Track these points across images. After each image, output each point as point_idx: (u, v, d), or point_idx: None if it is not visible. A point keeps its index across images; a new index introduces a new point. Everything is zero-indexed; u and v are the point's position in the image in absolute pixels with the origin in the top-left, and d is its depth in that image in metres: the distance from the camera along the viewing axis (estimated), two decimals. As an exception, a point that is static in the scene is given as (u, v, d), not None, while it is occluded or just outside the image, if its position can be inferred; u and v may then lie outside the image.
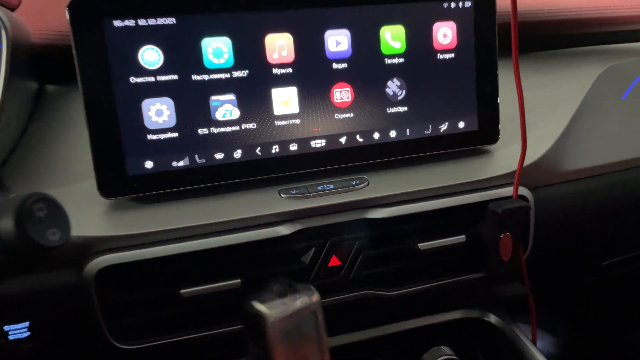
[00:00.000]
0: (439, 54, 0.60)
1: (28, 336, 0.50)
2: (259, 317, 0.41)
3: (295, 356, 0.42)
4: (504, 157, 0.63)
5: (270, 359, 0.41)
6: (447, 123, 0.62)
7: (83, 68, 0.50)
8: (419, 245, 0.59)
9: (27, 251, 0.32)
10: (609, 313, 1.06)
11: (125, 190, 0.53)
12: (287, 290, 0.44)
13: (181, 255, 0.51)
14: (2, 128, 0.51)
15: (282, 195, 0.56)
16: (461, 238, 0.60)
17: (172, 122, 0.53)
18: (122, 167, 0.52)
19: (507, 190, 0.60)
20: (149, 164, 0.53)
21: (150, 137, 0.53)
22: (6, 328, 0.49)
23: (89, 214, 0.52)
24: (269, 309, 0.41)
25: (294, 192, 0.56)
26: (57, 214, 0.34)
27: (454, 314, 0.69)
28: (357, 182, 0.58)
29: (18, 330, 0.50)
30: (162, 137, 0.53)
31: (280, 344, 0.41)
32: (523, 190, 0.61)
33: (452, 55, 0.61)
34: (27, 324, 0.50)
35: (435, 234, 0.60)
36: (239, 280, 0.53)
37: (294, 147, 0.57)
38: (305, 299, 0.43)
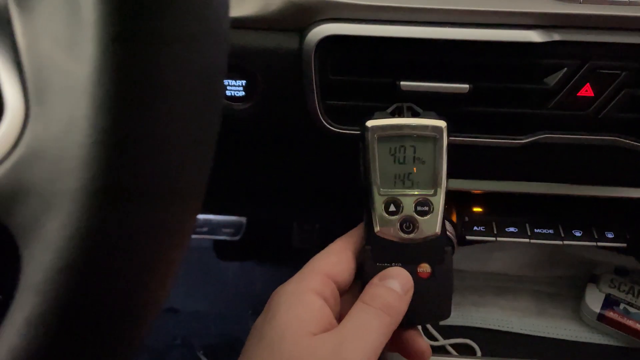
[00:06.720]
0: None
1: (242, 96, 0.50)
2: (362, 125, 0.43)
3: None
4: None
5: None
6: None
7: None
8: None
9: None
10: None
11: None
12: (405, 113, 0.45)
13: (407, 41, 0.45)
14: None
15: (546, -6, 0.44)
16: None
17: None
18: None
19: None
20: None
21: None
22: (224, 82, 0.49)
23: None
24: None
25: (560, -8, 0.44)
26: None
27: None
28: (650, -5, 0.44)
29: (234, 88, 0.49)
30: None
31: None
32: None
33: None
34: (243, 82, 0.49)
35: None
36: (467, 86, 0.46)
37: None
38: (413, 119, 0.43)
